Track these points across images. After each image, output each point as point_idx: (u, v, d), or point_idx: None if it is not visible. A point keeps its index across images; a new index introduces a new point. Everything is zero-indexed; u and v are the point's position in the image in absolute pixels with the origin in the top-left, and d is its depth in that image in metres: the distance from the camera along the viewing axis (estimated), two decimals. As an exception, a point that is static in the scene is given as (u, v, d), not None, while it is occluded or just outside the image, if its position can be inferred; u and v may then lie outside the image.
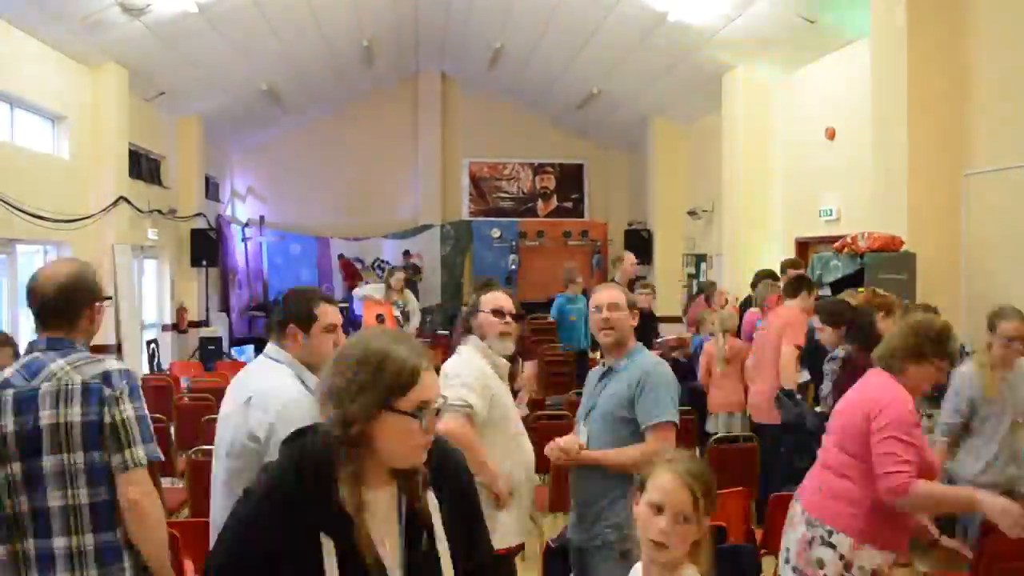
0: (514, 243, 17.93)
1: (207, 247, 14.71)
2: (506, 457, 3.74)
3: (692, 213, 14.35)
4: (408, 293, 10.78)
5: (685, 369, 8.28)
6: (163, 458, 3.21)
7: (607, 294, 3.76)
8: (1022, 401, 4.59)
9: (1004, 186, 7.17)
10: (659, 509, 2.16)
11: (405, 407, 1.84)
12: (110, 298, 3.48)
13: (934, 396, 4.84)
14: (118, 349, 11.19)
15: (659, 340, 9.42)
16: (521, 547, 3.91)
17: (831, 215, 10.09)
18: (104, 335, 10.90)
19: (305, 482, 1.84)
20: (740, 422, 7.47)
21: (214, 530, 3.07)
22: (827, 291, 8.21)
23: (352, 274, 17.24)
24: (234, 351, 14.62)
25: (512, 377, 4.15)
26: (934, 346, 3.44)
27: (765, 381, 6.70)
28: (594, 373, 3.93)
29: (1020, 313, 4.58)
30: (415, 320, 10.59)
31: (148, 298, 13.63)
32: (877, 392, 3.42)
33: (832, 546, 3.32)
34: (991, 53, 7.31)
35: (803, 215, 10.83)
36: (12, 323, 9.49)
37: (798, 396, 6.26)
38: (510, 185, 18.83)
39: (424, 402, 1.87)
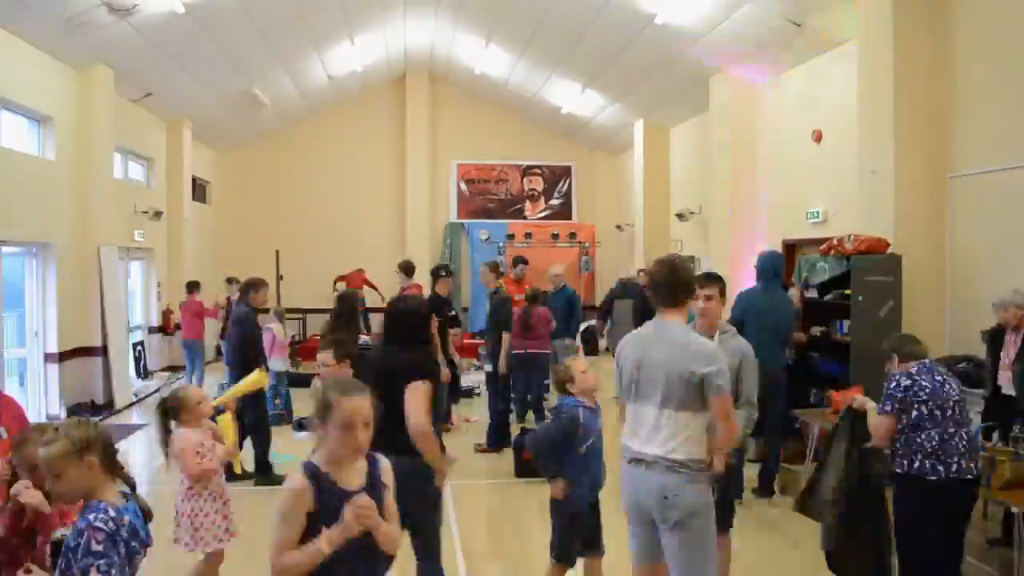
0: (502, 245, 17.95)
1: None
2: None
3: (680, 215, 14.40)
4: None
5: None
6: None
7: None
8: None
9: (989, 188, 7.24)
10: None
11: None
12: None
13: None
14: (104, 351, 11.13)
15: None
16: None
17: (818, 217, 10.15)
18: (90, 337, 10.87)
19: None
20: None
21: None
22: (814, 293, 8.26)
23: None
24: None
25: None
26: None
27: None
28: None
29: None
30: None
31: (134, 300, 13.58)
32: None
33: None
34: (976, 57, 7.38)
35: (790, 217, 10.89)
36: (-3, 325, 9.43)
37: None
38: (498, 187, 18.85)
39: None
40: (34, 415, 10.20)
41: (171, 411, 4.36)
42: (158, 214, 13.65)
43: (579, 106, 16.04)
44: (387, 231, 18.19)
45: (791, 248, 10.98)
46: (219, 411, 4.91)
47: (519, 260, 11.55)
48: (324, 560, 2.51)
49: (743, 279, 10.86)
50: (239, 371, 7.05)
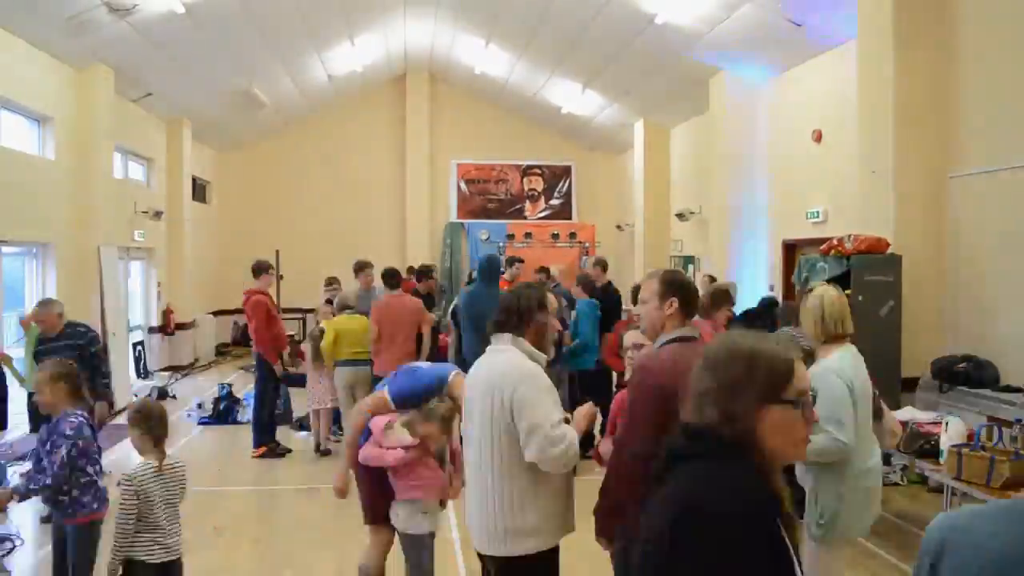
0: (502, 245, 17.94)
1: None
2: None
3: (680, 215, 14.40)
4: None
5: None
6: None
7: None
8: None
9: (988, 188, 7.23)
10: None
11: (789, 396, 1.80)
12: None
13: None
14: (104, 351, 11.12)
15: None
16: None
17: (818, 217, 10.15)
18: (90, 337, 10.84)
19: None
20: None
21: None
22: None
23: None
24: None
25: None
26: None
27: None
28: None
29: None
30: None
31: (134, 300, 13.58)
32: None
33: None
34: (976, 57, 7.38)
35: (790, 217, 10.88)
36: (-3, 325, 9.42)
37: None
38: (498, 187, 18.85)
39: (801, 391, 1.82)
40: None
41: None
42: (158, 214, 13.65)
43: (579, 106, 16.03)
44: (387, 231, 18.18)
45: (791, 248, 10.98)
46: None
47: (513, 260, 11.53)
48: None
49: (743, 279, 10.87)
50: None
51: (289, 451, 8.67)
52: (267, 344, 8.55)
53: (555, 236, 18.28)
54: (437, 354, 8.77)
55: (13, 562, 5.64)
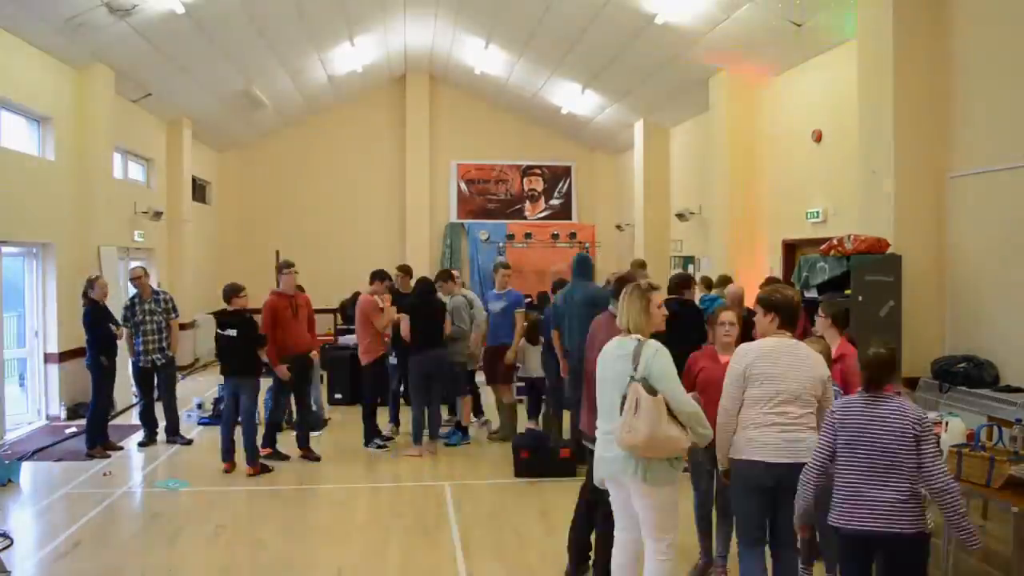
0: (502, 245, 17.95)
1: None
2: None
3: (680, 215, 14.40)
4: None
5: None
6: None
7: None
8: None
9: (988, 188, 7.24)
10: None
11: None
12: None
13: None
14: (104, 351, 11.11)
15: None
16: None
17: (818, 217, 10.15)
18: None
19: None
20: None
21: None
22: (814, 293, 8.26)
23: None
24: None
25: None
26: None
27: None
28: None
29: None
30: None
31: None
32: None
33: None
34: (976, 57, 7.38)
35: (790, 217, 10.88)
36: (-3, 325, 9.42)
37: None
38: (498, 187, 18.85)
39: None
40: (34, 415, 10.21)
41: None
42: (158, 214, 13.65)
43: (579, 106, 16.03)
44: (387, 231, 18.19)
45: (791, 248, 10.98)
46: None
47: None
48: None
49: (743, 279, 10.86)
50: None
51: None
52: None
53: (555, 236, 18.28)
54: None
55: (14, 562, 5.63)
